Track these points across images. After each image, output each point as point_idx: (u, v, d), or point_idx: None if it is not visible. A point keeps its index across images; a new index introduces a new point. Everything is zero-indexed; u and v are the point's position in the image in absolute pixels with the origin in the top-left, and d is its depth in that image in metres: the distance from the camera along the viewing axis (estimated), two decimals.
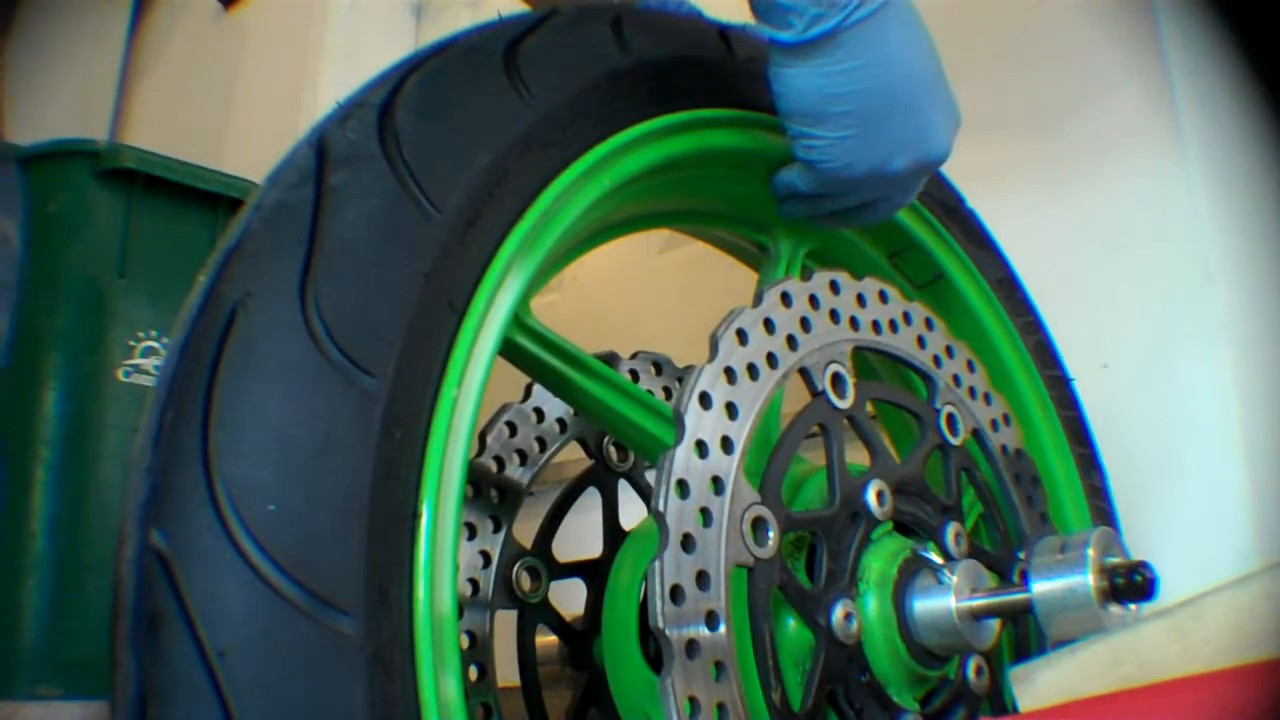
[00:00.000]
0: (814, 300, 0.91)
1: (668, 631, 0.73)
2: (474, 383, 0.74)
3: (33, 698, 1.87)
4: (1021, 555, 1.01)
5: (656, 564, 0.74)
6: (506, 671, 1.06)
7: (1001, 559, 0.99)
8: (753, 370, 0.84)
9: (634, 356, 1.15)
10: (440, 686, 0.65)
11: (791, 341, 0.88)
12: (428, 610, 0.65)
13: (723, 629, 0.75)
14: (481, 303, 0.75)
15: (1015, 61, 1.53)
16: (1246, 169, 1.29)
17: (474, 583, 1.02)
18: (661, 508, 0.75)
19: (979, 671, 0.92)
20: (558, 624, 1.05)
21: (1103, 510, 1.19)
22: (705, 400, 0.80)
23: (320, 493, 0.63)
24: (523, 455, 1.07)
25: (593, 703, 1.04)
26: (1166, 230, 1.37)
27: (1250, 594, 0.68)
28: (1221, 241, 1.32)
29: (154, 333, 2.01)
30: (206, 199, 2.07)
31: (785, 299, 0.89)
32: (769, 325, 0.87)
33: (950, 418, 0.99)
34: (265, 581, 0.60)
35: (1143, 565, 0.80)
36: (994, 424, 1.04)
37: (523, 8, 0.98)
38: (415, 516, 0.67)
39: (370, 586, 0.62)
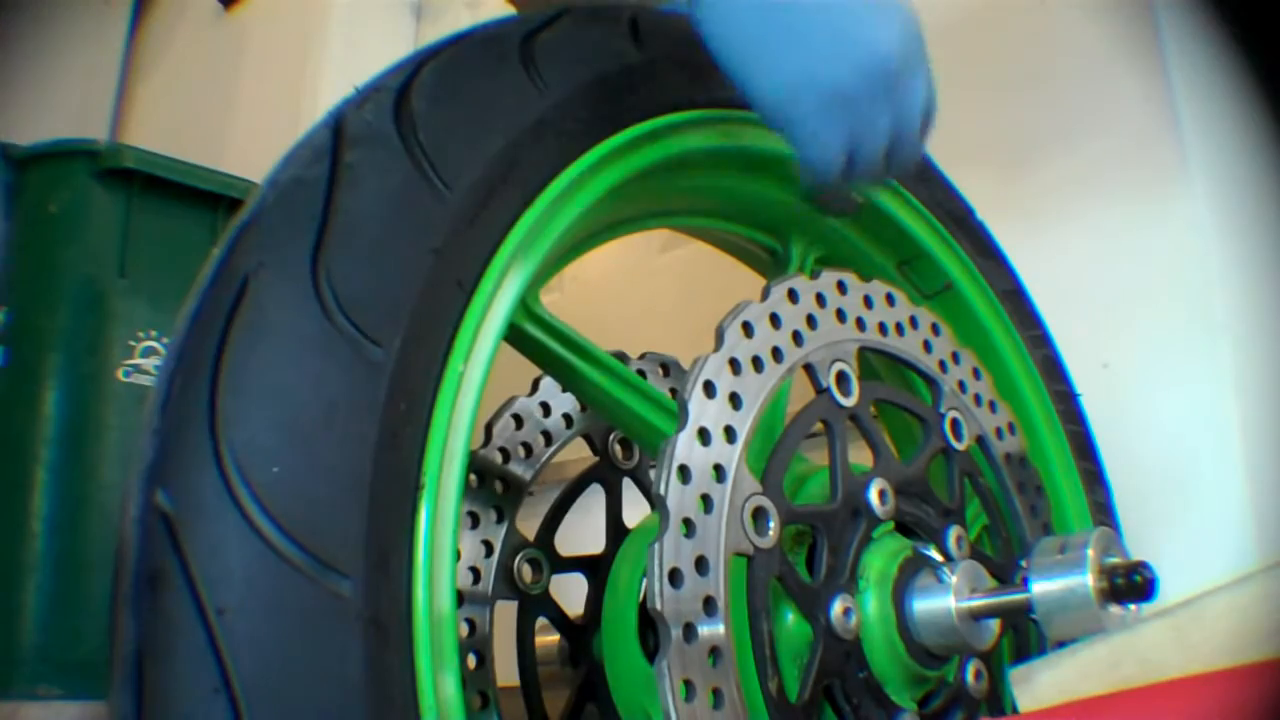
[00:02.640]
0: (821, 299, 0.91)
1: (665, 615, 0.73)
2: (480, 361, 0.74)
3: (33, 698, 1.87)
4: (1024, 563, 1.01)
5: (656, 547, 0.74)
6: (506, 668, 1.06)
7: (1004, 566, 0.99)
8: (757, 363, 0.84)
9: (642, 357, 1.15)
10: (436, 659, 0.65)
11: (797, 337, 0.88)
12: (427, 579, 0.65)
13: (720, 616, 0.75)
14: (490, 283, 0.76)
15: (1021, 66, 1.54)
16: (1248, 170, 1.29)
17: (475, 571, 1.02)
18: (662, 492, 0.75)
19: (978, 675, 0.92)
20: (558, 617, 1.05)
21: (1105, 523, 1.19)
22: (709, 389, 0.81)
23: (324, 458, 0.63)
24: (528, 449, 1.07)
25: (590, 698, 1.03)
26: (1167, 231, 1.37)
27: (1250, 594, 0.68)
28: (1222, 243, 1.32)
29: (154, 333, 2.02)
30: (206, 199, 2.08)
31: (792, 295, 0.89)
32: (775, 320, 0.87)
33: (954, 423, 0.99)
34: (266, 542, 0.60)
35: (1142, 565, 0.79)
36: (998, 432, 1.04)
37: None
38: (418, 487, 0.67)
39: (370, 551, 0.62)
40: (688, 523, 0.76)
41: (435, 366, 0.71)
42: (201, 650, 0.59)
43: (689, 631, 0.74)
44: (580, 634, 1.05)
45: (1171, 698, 0.67)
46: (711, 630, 0.75)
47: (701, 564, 0.75)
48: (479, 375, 0.74)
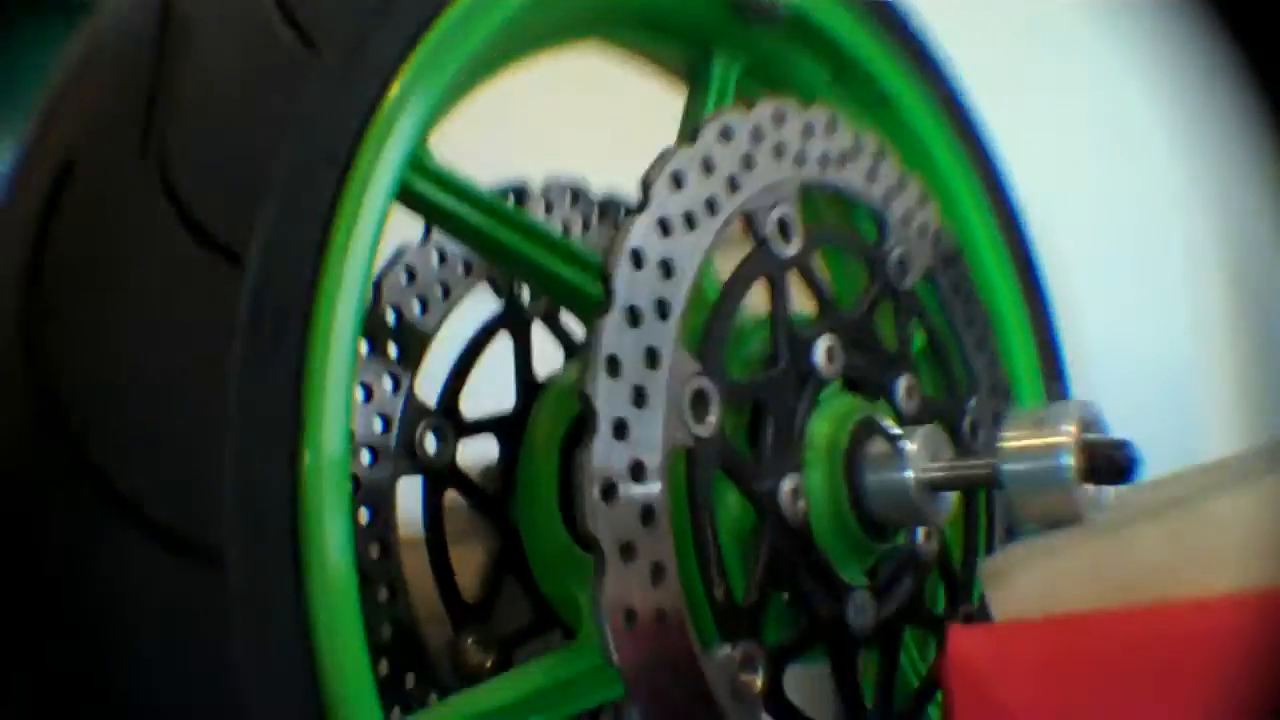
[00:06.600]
0: (757, 134, 0.79)
1: (600, 537, 0.64)
2: (361, 253, 0.61)
3: None
4: (972, 404, 0.93)
5: (585, 457, 0.64)
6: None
7: (951, 410, 0.92)
8: (690, 219, 0.73)
9: (547, 188, 1.02)
10: (339, 640, 0.55)
11: (732, 183, 0.76)
12: (318, 547, 0.55)
13: (660, 527, 0.66)
14: (369, 153, 0.62)
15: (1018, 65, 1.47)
16: (1246, 167, 1.22)
17: (373, 450, 0.91)
18: (589, 390, 0.65)
19: (928, 536, 0.85)
20: (468, 488, 0.95)
21: (1048, 346, 1.12)
22: (637, 258, 0.69)
23: (177, 407, 0.51)
24: (424, 303, 0.95)
25: (508, 570, 0.95)
26: (1166, 228, 1.33)
27: (1256, 497, 0.61)
28: (1221, 242, 1.30)
29: None
30: None
31: (725, 134, 0.77)
32: (708, 166, 0.75)
33: (901, 260, 0.89)
34: (128, 520, 0.49)
35: (1124, 443, 0.72)
36: (946, 264, 0.95)
37: None
38: (298, 427, 0.55)
39: (245, 521, 0.51)
40: (619, 423, 0.66)
41: (306, 268, 0.57)
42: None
43: (628, 551, 0.65)
44: (494, 504, 0.95)
45: (1169, 622, 0.61)
46: (651, 543, 0.66)
47: (637, 470, 0.66)
48: (360, 269, 0.61)
